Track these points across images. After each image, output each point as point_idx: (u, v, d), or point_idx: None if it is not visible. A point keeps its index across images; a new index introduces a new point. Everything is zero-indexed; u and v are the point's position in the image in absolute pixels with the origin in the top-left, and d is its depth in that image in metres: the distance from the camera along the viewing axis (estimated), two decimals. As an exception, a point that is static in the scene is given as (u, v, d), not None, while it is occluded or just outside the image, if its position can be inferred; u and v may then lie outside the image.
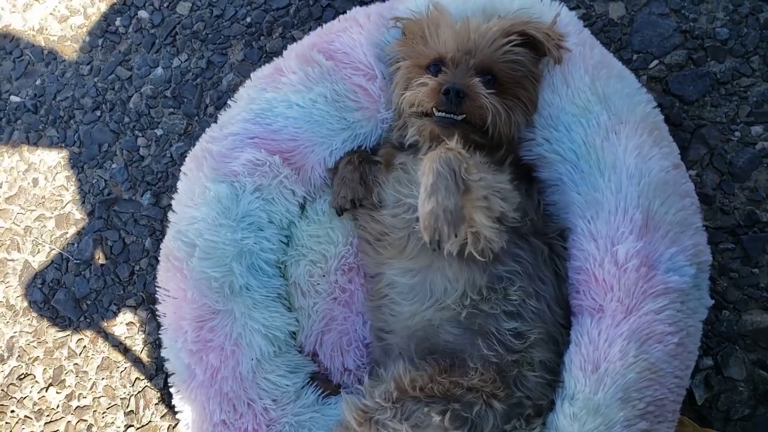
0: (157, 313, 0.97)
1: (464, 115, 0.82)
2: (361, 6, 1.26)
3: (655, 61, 1.11)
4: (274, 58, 1.05)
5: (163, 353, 0.94)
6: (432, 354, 0.83)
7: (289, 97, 0.94)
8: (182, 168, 0.98)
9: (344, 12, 1.27)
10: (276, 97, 0.94)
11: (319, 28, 1.02)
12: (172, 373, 0.94)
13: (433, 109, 0.83)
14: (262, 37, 1.34)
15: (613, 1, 1.15)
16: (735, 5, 1.09)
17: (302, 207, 1.04)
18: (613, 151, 0.85)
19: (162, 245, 0.95)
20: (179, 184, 0.97)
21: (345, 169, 0.99)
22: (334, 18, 1.28)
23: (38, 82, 1.44)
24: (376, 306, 0.92)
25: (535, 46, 0.87)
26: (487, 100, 0.81)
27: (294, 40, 1.31)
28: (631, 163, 0.84)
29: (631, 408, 0.77)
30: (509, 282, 0.81)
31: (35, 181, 1.38)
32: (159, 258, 1.23)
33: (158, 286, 0.94)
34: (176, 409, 0.96)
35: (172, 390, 0.94)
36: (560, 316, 0.85)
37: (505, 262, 0.81)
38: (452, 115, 0.82)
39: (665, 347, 0.79)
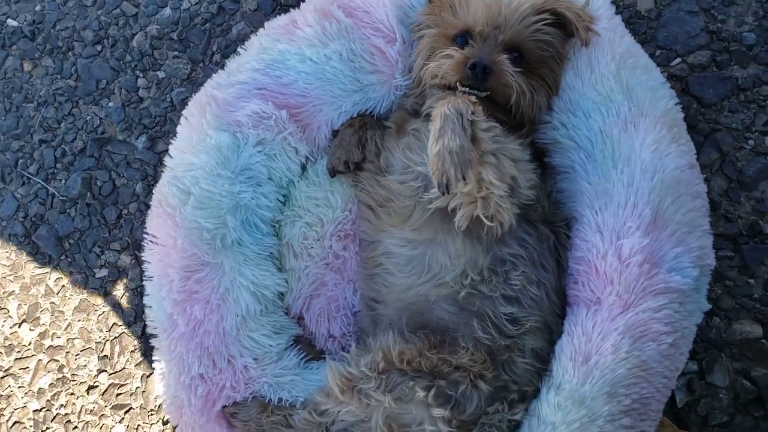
0: (142, 258, 0.94)
1: (488, 92, 0.79)
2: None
3: (678, 59, 1.08)
4: (289, 10, 1.00)
5: (146, 300, 0.92)
6: (423, 329, 0.81)
7: (303, 51, 0.90)
8: (183, 112, 0.94)
9: (366, -29, 1.24)
10: (289, 49, 0.91)
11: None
12: (152, 321, 0.92)
13: (457, 83, 0.80)
14: (277, -12, 1.29)
15: (643, -7, 1.12)
16: (765, 11, 1.07)
17: (303, 167, 1.01)
18: (629, 144, 0.83)
19: (155, 190, 0.92)
20: (179, 129, 0.93)
21: (344, 132, 0.96)
22: (354, -24, 1.24)
23: (38, 8, 1.38)
24: (369, 275, 0.90)
25: (564, 26, 0.85)
26: (513, 78, 0.78)
27: (310, -6, 1.26)
28: (646, 158, 0.82)
29: (616, 403, 0.76)
30: (512, 266, 0.80)
31: (25, 110, 1.32)
32: (148, 204, 1.20)
33: (146, 232, 0.90)
34: (153, 358, 0.93)
35: (151, 340, 0.92)
36: (557, 306, 0.84)
37: (510, 244, 0.80)
38: (476, 91, 0.79)
39: (659, 346, 0.79)
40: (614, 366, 0.77)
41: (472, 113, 0.72)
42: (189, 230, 0.85)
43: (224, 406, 0.88)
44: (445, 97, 0.79)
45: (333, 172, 0.98)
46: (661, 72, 0.92)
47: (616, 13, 0.92)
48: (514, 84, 0.79)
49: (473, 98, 0.74)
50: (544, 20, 0.82)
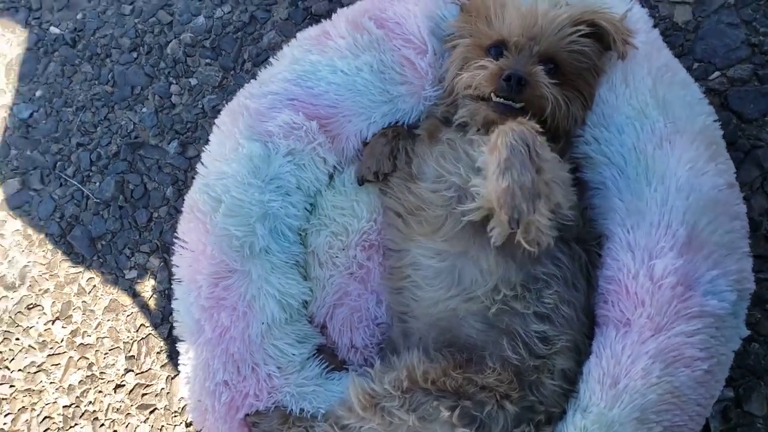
0: (171, 263, 0.95)
1: (522, 104, 0.78)
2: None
3: (717, 73, 1.05)
4: (320, 21, 1.01)
5: (174, 305, 0.93)
6: (450, 347, 0.80)
7: (335, 62, 0.91)
8: (216, 121, 0.95)
9: (398, -18, 1.24)
10: (321, 60, 0.91)
11: (373, -6, 0.98)
12: (179, 325, 0.93)
13: (492, 94, 0.79)
14: (308, -2, 1.30)
15: (680, 4, 1.09)
16: (811, 25, 1.03)
17: (330, 176, 1.01)
18: (664, 161, 0.81)
19: (187, 196, 0.93)
20: (212, 137, 0.95)
21: (377, 141, 0.96)
22: (386, -14, 1.25)
23: (79, 16, 1.42)
24: (396, 288, 0.90)
25: (601, 38, 0.83)
26: (548, 90, 0.77)
27: (341, 4, 1.27)
28: (682, 176, 0.80)
29: (646, 430, 0.74)
30: (545, 284, 0.78)
31: (65, 115, 1.36)
32: (178, 208, 1.23)
33: (177, 237, 0.92)
34: (179, 362, 0.95)
35: (178, 344, 0.93)
36: (586, 326, 0.82)
37: (544, 263, 0.78)
38: (512, 102, 0.78)
39: (692, 372, 0.76)
40: (644, 391, 0.75)
41: (540, 143, 0.70)
42: (219, 237, 0.86)
43: (246, 415, 0.89)
44: (498, 119, 0.78)
45: (361, 181, 0.98)
46: (699, 86, 0.89)
47: (654, 27, 0.90)
48: (550, 95, 0.77)
49: (536, 126, 0.72)
50: (580, 31, 0.80)
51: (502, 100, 0.78)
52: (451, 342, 0.81)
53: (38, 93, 1.40)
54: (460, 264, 0.80)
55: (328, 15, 1.25)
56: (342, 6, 1.25)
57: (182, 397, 1.15)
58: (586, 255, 0.83)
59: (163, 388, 1.17)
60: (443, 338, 0.82)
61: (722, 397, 0.93)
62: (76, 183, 1.31)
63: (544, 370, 0.78)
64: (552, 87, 0.78)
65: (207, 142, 1.24)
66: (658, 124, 0.84)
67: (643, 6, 0.93)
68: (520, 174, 0.67)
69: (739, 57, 1.05)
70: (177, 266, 0.92)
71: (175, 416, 1.15)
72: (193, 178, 1.24)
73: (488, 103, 0.80)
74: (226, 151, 0.90)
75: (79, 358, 1.21)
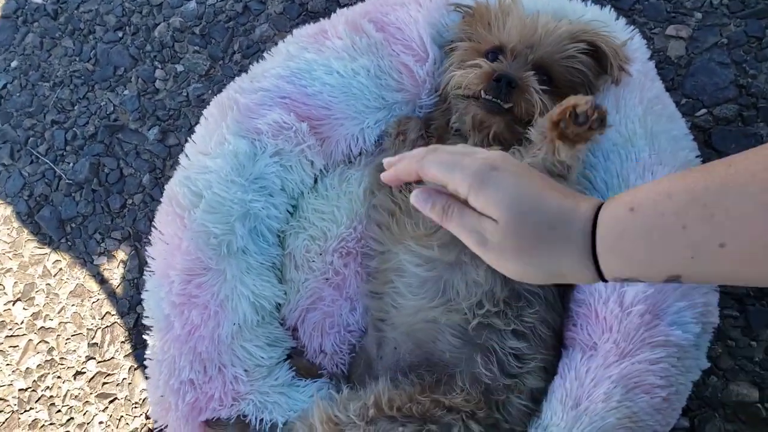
0: (146, 253, 0.92)
1: (510, 105, 0.79)
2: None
3: (704, 110, 1.07)
4: (320, 19, 0.99)
5: (144, 296, 0.90)
6: (421, 366, 0.80)
7: (331, 63, 0.89)
8: (204, 112, 0.93)
9: (397, -14, 1.23)
10: (317, 59, 0.89)
11: (375, -1, 0.96)
12: (148, 318, 0.91)
13: (481, 91, 0.80)
14: (306, -7, 1.28)
15: (675, 39, 1.11)
16: (797, 71, 1.06)
17: (315, 179, 1.00)
18: (644, 192, 0.82)
19: (167, 187, 0.91)
20: (198, 128, 0.92)
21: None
22: (385, -10, 1.24)
23: (64, -14, 1.37)
24: (377, 293, 0.89)
25: (599, 59, 0.84)
26: (537, 95, 0.78)
27: (338, 3, 1.26)
28: (660, 209, 0.81)
29: (603, 452, 0.75)
30: (527, 303, 0.78)
31: (40, 89, 1.32)
32: (154, 196, 1.21)
33: (154, 227, 0.89)
34: (145, 356, 0.92)
35: (145, 337, 0.91)
36: (557, 348, 0.83)
37: None
38: (499, 102, 0.79)
39: (651, 399, 0.77)
40: (604, 414, 0.76)
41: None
42: (196, 233, 0.84)
43: (207, 420, 0.87)
44: (485, 117, 0.81)
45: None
46: (686, 121, 0.91)
47: (649, 59, 0.91)
48: (538, 101, 0.78)
49: None
50: (579, 48, 0.82)
51: (490, 98, 0.79)
52: (424, 358, 0.81)
53: (13, 64, 1.35)
54: (447, 275, 0.80)
55: (324, 13, 1.25)
56: (339, 5, 1.25)
57: (144, 389, 1.13)
58: None
59: (125, 378, 1.14)
60: (418, 352, 0.81)
61: (678, 425, 0.95)
62: (48, 161, 1.27)
63: (515, 389, 0.78)
64: (542, 94, 0.78)
65: (189, 131, 1.23)
66: (643, 153, 0.85)
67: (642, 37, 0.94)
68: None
69: (726, 96, 1.07)
70: (151, 257, 0.89)
71: (135, 407, 1.12)
72: (172, 166, 1.22)
73: (477, 101, 0.81)
74: (212, 145, 0.87)
75: (39, 342, 1.17)
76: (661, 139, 0.86)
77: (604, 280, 0.50)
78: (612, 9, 0.95)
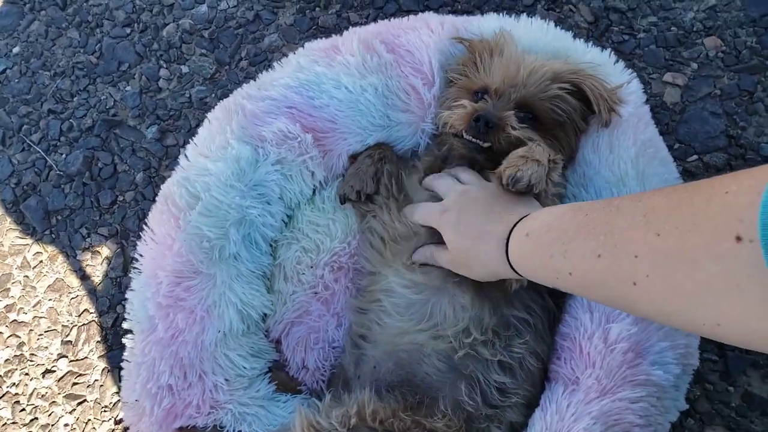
0: (136, 252, 0.91)
1: (489, 144, 0.81)
2: (426, 9, 1.24)
3: (695, 156, 1.10)
4: (330, 35, 1.00)
5: (129, 295, 0.89)
6: (403, 384, 0.79)
7: (340, 78, 0.90)
8: (209, 115, 0.92)
9: (407, 8, 1.26)
10: (326, 73, 0.90)
11: (386, 20, 0.98)
12: (130, 318, 0.89)
13: (463, 131, 0.82)
14: (317, 9, 1.30)
15: (671, 86, 1.14)
16: (785, 127, 1.10)
17: (313, 191, 0.99)
18: (632, 232, 0.84)
19: (163, 186, 0.90)
20: (201, 130, 0.92)
21: (362, 162, 0.96)
22: (396, 11, 1.26)
23: (75, -21, 1.37)
24: (362, 309, 0.89)
25: (586, 100, 0.86)
26: (516, 133, 0.80)
27: (349, 21, 1.27)
28: (647, 249, 0.82)
29: (579, 488, 0.75)
30: (516, 332, 0.79)
31: (40, 77, 1.30)
32: (146, 195, 1.19)
33: (146, 225, 0.88)
34: (123, 357, 0.90)
35: (127, 337, 0.88)
36: (541, 383, 0.83)
37: (518, 308, 0.79)
38: (478, 141, 0.81)
39: (629, 438, 0.78)
40: (582, 450, 0.76)
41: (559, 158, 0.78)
42: (190, 235, 0.83)
43: (181, 428, 0.85)
44: (468, 155, 0.84)
45: (343, 200, 0.97)
46: (677, 165, 0.93)
47: (645, 102, 0.94)
48: (515, 139, 0.80)
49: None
50: (563, 88, 0.84)
51: (471, 138, 0.81)
52: (405, 379, 0.80)
53: (15, 50, 1.34)
54: (434, 299, 0.80)
55: (334, 29, 1.27)
56: (350, 23, 1.26)
57: (116, 392, 1.09)
58: (558, 311, 0.84)
59: (96, 380, 1.10)
60: (399, 372, 0.81)
61: (655, 467, 0.95)
62: (40, 150, 1.25)
63: (495, 420, 0.78)
64: (521, 131, 0.80)
65: (188, 132, 1.23)
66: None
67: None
68: (537, 153, 0.75)
69: (716, 145, 1.10)
70: (140, 256, 0.88)
71: (104, 411, 1.09)
72: (167, 167, 1.21)
73: (461, 140, 0.83)
74: (214, 148, 0.87)
75: (10, 336, 1.14)
76: (653, 181, 0.88)
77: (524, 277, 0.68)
78: (613, 52, 0.98)
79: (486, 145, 0.81)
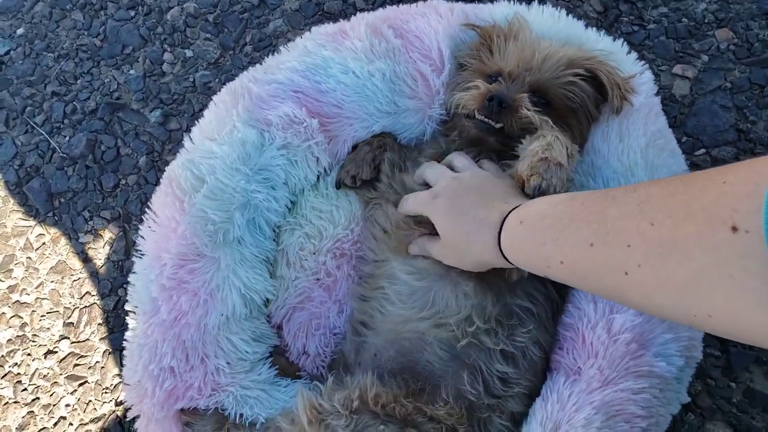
0: (139, 234, 0.90)
1: (501, 125, 0.81)
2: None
3: (703, 150, 1.09)
4: (335, 20, 0.99)
5: (131, 278, 0.88)
6: (405, 371, 0.79)
7: (348, 62, 0.89)
8: (215, 98, 0.92)
9: (415, -4, 1.24)
10: (334, 57, 0.89)
11: (395, 6, 0.97)
12: (133, 300, 0.88)
13: (475, 111, 0.82)
14: (323, -6, 1.29)
15: (681, 78, 1.13)
16: (795, 122, 1.09)
17: (318, 177, 0.99)
18: (641, 224, 0.83)
19: (167, 169, 0.89)
20: (206, 113, 0.91)
21: (362, 149, 0.96)
22: (402, -2, 1.25)
23: (80, -40, 1.35)
24: (365, 296, 0.88)
25: (599, 87, 0.85)
26: (530, 115, 0.79)
27: (355, 7, 1.26)
28: (652, 240, 0.82)
29: (579, 477, 0.75)
30: (519, 321, 0.78)
31: (44, 59, 1.29)
32: (148, 179, 1.19)
33: (149, 207, 0.87)
34: (125, 338, 0.90)
35: (128, 319, 0.88)
36: (544, 374, 0.83)
37: (521, 296, 0.79)
38: (491, 122, 0.80)
39: (631, 429, 0.77)
40: (583, 440, 0.76)
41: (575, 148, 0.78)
42: (194, 218, 0.82)
43: (182, 410, 0.85)
44: (480, 136, 0.84)
45: (339, 184, 0.98)
46: (685, 159, 0.93)
47: (656, 94, 0.93)
48: (529, 120, 0.80)
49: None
50: (577, 74, 0.83)
51: (483, 118, 0.81)
52: (407, 366, 0.80)
53: (20, 31, 1.33)
54: (437, 286, 0.80)
55: (339, 14, 1.26)
56: (356, 9, 1.25)
57: (117, 374, 1.10)
58: (561, 300, 0.84)
59: (98, 362, 1.11)
60: (401, 360, 0.80)
61: (654, 460, 0.95)
62: (44, 132, 1.24)
63: (496, 410, 0.78)
64: (534, 114, 0.80)
65: (192, 117, 1.22)
66: (642, 184, 0.86)
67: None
68: (558, 154, 0.73)
69: (725, 139, 1.09)
70: (143, 239, 0.87)
71: (105, 393, 1.09)
72: (170, 151, 1.21)
73: (473, 120, 0.83)
74: (221, 131, 0.86)
75: (12, 316, 1.14)
76: (662, 172, 0.88)
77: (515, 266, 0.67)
78: (625, 42, 0.97)
79: (498, 125, 0.81)
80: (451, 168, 0.83)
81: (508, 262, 0.67)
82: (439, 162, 0.86)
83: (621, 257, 0.48)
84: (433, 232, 0.79)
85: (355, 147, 0.98)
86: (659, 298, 0.46)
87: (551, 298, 0.82)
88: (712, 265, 0.40)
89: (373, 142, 0.96)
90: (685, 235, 0.42)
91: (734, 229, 0.38)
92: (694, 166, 1.08)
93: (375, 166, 0.94)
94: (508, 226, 0.66)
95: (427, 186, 0.84)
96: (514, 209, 0.66)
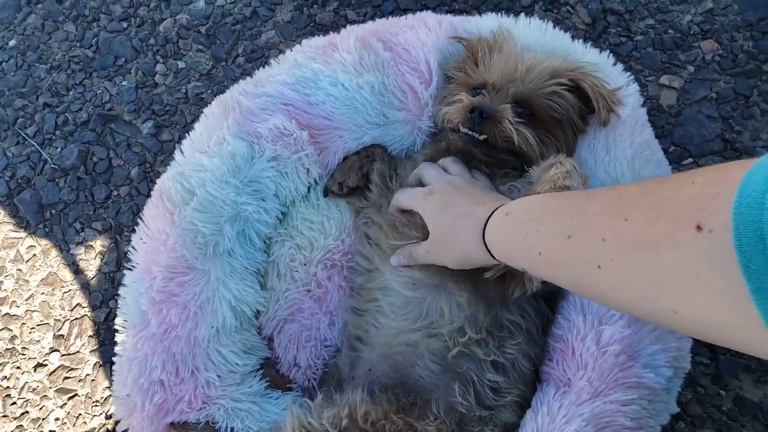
0: (130, 246, 0.90)
1: (485, 136, 0.82)
2: (423, 8, 1.24)
3: (690, 159, 1.10)
4: (327, 32, 1.00)
5: (121, 291, 0.88)
6: (397, 387, 0.79)
7: (337, 75, 0.89)
8: (206, 110, 0.92)
9: (404, 7, 1.26)
10: (323, 70, 0.90)
11: (384, 19, 0.98)
12: (123, 313, 0.88)
13: (459, 124, 0.83)
14: (315, 6, 1.29)
15: (667, 89, 1.15)
16: (780, 131, 1.10)
17: (308, 188, 0.99)
18: (626, 233, 0.84)
19: (158, 181, 0.89)
20: (197, 126, 0.91)
21: (350, 158, 0.97)
22: (393, 10, 1.26)
23: (73, -28, 1.36)
24: (359, 310, 0.88)
25: (585, 99, 0.86)
26: (511, 125, 0.80)
27: (346, 19, 1.27)
28: (639, 252, 0.82)
29: (569, 488, 0.75)
30: (509, 334, 0.79)
31: (36, 71, 1.29)
32: (140, 190, 1.19)
33: (141, 219, 0.88)
34: (115, 352, 0.90)
35: (117, 332, 0.88)
36: (534, 384, 0.83)
37: (513, 311, 0.79)
38: (474, 134, 0.81)
39: (621, 440, 0.78)
40: (572, 452, 0.76)
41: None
42: (184, 231, 0.82)
43: (172, 423, 0.84)
44: (464, 148, 0.84)
45: (326, 192, 0.99)
46: (672, 169, 0.94)
47: (642, 105, 0.94)
48: (514, 132, 0.80)
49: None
50: (562, 84, 0.84)
51: (467, 130, 0.82)
52: (399, 381, 0.80)
53: (12, 42, 1.33)
54: (431, 297, 0.80)
55: (331, 26, 1.27)
56: (348, 21, 1.26)
57: (107, 387, 1.09)
58: (552, 314, 0.84)
59: (88, 375, 1.10)
60: (393, 375, 0.80)
61: (645, 470, 0.95)
62: (35, 144, 1.24)
63: (489, 422, 0.78)
64: (519, 125, 0.80)
65: (184, 128, 1.22)
66: (629, 196, 0.86)
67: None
68: (578, 184, 0.74)
69: (711, 149, 1.10)
70: (135, 251, 0.87)
71: (95, 406, 1.08)
72: (162, 162, 1.21)
73: (458, 133, 0.84)
74: (210, 143, 0.86)
75: (2, 329, 1.13)
76: (650, 183, 0.89)
77: (497, 260, 0.67)
78: (611, 54, 0.98)
79: (482, 137, 0.81)
80: (446, 171, 0.84)
81: (491, 255, 0.68)
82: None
83: (595, 251, 0.49)
84: (418, 240, 0.80)
85: (345, 158, 0.99)
86: (630, 293, 0.47)
87: (542, 313, 0.83)
88: (679, 263, 0.41)
89: (362, 152, 0.97)
90: (657, 232, 0.43)
91: (699, 228, 0.39)
92: (681, 175, 1.09)
93: (363, 174, 0.95)
94: (494, 219, 0.67)
95: (421, 185, 0.85)
96: (502, 205, 0.68)
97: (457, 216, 0.72)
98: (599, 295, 0.51)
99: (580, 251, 0.51)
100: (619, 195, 0.49)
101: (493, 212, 0.68)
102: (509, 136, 0.81)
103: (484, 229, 0.68)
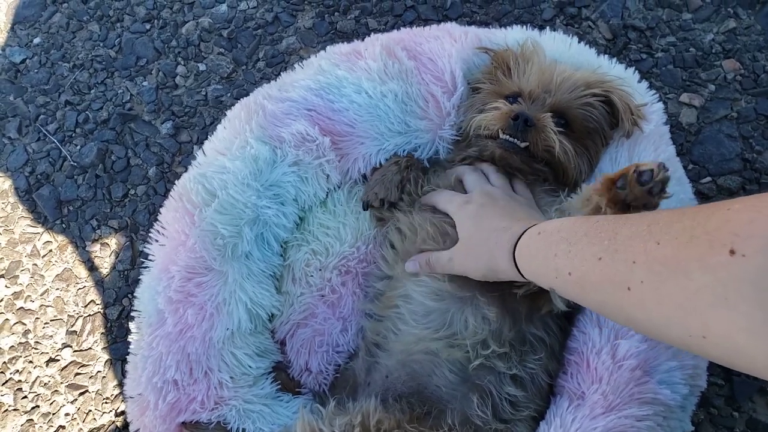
0: (147, 246, 0.91)
1: (527, 144, 0.81)
2: (445, 19, 1.25)
3: (708, 178, 1.10)
4: (348, 40, 1.01)
5: (138, 290, 0.89)
6: (413, 395, 0.78)
7: (362, 83, 0.90)
8: (229, 113, 0.93)
9: (425, 17, 1.26)
10: (348, 77, 0.90)
11: (409, 28, 0.99)
12: (139, 311, 0.89)
13: (499, 131, 0.83)
14: (336, 13, 1.30)
15: (687, 106, 1.15)
16: (800, 153, 1.10)
17: (327, 193, 1.00)
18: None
19: (178, 182, 0.90)
20: (219, 128, 0.92)
21: (388, 169, 0.94)
22: (414, 19, 1.27)
23: (99, -27, 1.38)
24: (379, 315, 0.88)
25: (611, 111, 0.87)
26: (553, 134, 0.80)
27: (368, 27, 1.28)
28: (658, 265, 0.82)
29: (583, 503, 0.74)
30: (531, 348, 0.78)
31: (59, 69, 1.31)
32: (157, 189, 1.20)
33: (158, 221, 0.88)
34: (129, 350, 0.90)
35: (131, 330, 0.88)
36: (550, 399, 0.83)
37: (537, 326, 0.79)
38: (516, 141, 0.81)
39: (634, 456, 0.77)
40: (585, 465, 0.75)
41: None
42: (204, 232, 0.83)
43: (184, 423, 0.84)
44: (504, 154, 0.84)
45: (366, 206, 0.95)
46: (691, 186, 0.93)
47: (665, 123, 0.94)
48: (556, 141, 0.80)
49: None
50: (594, 95, 0.85)
51: (508, 137, 0.82)
52: (416, 390, 0.79)
53: (36, 40, 1.35)
54: (455, 308, 0.79)
55: (352, 34, 1.27)
56: (369, 30, 1.27)
57: (118, 385, 1.09)
58: (571, 329, 0.84)
59: (99, 371, 1.10)
60: (411, 383, 0.80)
61: (658, 489, 0.94)
62: (55, 141, 1.25)
63: None
64: (559, 135, 0.81)
65: (203, 130, 1.23)
66: (650, 211, 0.86)
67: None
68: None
69: (731, 168, 1.10)
70: (151, 251, 0.88)
71: (105, 403, 1.09)
72: (180, 163, 1.22)
73: (496, 141, 0.84)
74: (233, 146, 0.87)
75: (16, 323, 1.14)
76: (669, 200, 0.88)
77: (524, 277, 0.67)
78: (636, 71, 0.98)
79: (524, 144, 0.82)
80: (488, 180, 0.85)
81: (519, 272, 0.68)
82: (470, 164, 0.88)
83: (626, 273, 0.49)
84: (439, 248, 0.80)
85: (374, 169, 0.97)
86: (657, 316, 0.47)
87: (564, 329, 0.82)
88: (708, 286, 0.41)
89: (401, 162, 0.94)
90: (688, 255, 0.43)
91: (732, 252, 0.39)
92: (699, 194, 1.08)
93: (401, 188, 0.93)
94: (527, 236, 0.68)
95: (459, 185, 0.86)
96: (536, 224, 0.68)
97: (492, 230, 0.73)
98: (627, 317, 0.51)
99: (610, 273, 0.51)
100: (651, 220, 0.49)
101: (527, 230, 0.68)
102: (550, 145, 0.81)
103: (515, 245, 0.68)
